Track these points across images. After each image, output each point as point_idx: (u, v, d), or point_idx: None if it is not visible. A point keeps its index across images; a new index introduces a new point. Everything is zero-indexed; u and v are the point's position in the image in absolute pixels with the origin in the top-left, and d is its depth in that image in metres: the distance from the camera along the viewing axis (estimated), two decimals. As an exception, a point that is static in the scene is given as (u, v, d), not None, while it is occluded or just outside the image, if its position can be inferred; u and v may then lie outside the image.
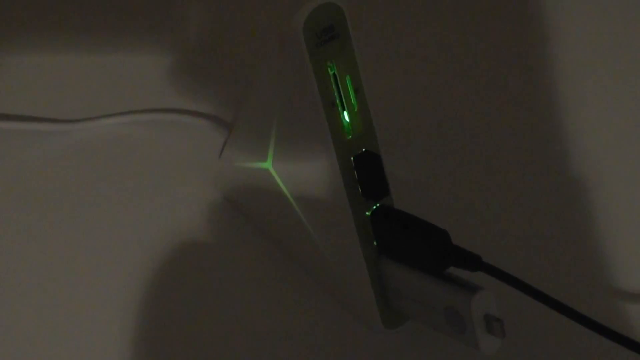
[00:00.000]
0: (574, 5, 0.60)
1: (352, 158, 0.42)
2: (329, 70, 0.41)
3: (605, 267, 0.46)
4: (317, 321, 0.45)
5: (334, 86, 0.41)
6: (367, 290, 0.43)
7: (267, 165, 0.45)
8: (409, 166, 0.51)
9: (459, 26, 0.60)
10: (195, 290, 0.47)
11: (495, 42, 0.59)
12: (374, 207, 0.42)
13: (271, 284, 0.47)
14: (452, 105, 0.55)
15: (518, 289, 0.40)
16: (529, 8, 0.60)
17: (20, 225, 0.50)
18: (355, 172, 0.42)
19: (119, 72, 0.58)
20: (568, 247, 0.47)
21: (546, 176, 0.51)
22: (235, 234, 0.49)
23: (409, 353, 0.44)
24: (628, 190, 0.50)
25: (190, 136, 0.54)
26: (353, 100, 0.41)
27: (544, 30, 0.59)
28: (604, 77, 0.56)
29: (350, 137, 0.41)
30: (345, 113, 0.41)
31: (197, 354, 0.44)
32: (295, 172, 0.44)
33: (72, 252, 0.49)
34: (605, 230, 0.48)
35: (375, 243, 0.42)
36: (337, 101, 0.41)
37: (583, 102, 0.55)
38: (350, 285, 0.44)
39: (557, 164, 0.51)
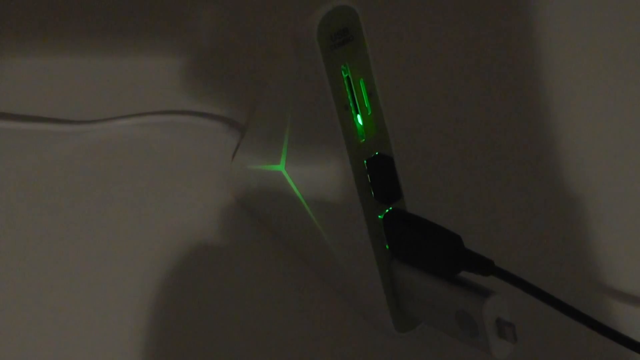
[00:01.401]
0: (578, 19, 0.60)
1: (365, 161, 0.41)
2: (343, 73, 0.41)
3: (616, 272, 0.46)
4: (328, 324, 0.45)
5: (347, 89, 0.41)
6: (379, 293, 0.43)
7: (280, 167, 0.45)
8: (422, 169, 0.51)
9: (474, 29, 0.60)
10: (206, 293, 0.46)
11: (513, 46, 0.59)
12: (387, 210, 0.42)
13: (283, 287, 0.47)
14: (466, 109, 0.55)
15: (530, 293, 0.40)
16: (546, 14, 0.60)
17: (35, 224, 0.50)
18: (368, 175, 0.42)
19: (133, 74, 0.58)
20: (581, 252, 0.47)
21: (561, 181, 0.51)
22: (247, 236, 0.49)
23: (421, 356, 0.43)
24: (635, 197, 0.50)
25: (203, 138, 0.54)
26: (366, 103, 0.41)
27: (558, 39, 0.59)
28: (604, 81, 0.56)
29: (364, 140, 0.41)
30: (359, 116, 0.41)
31: (208, 356, 0.44)
32: (308, 175, 0.44)
33: (85, 252, 0.49)
34: (617, 236, 0.48)
35: (387, 246, 0.42)
36: (351, 104, 0.41)
37: (595, 105, 0.55)
38: (362, 288, 0.44)
39: (571, 169, 0.51)
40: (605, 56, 0.58)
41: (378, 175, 0.41)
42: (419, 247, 0.41)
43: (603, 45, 0.58)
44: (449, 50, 0.59)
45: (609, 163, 0.52)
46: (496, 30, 0.60)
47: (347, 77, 0.41)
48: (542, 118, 0.54)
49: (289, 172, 0.45)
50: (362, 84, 0.41)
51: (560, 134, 0.53)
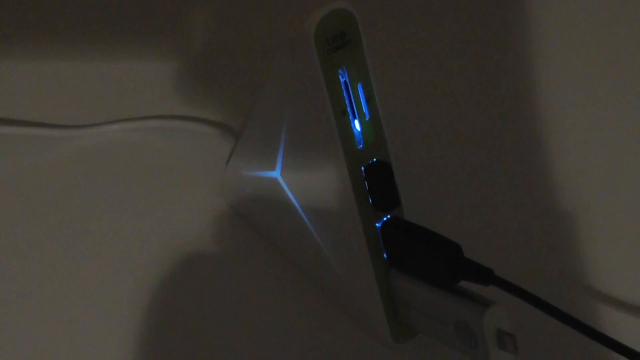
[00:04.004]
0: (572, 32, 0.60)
1: (362, 168, 0.41)
2: (340, 77, 0.40)
3: (619, 282, 0.46)
4: (325, 334, 0.45)
5: (344, 94, 0.41)
6: (376, 303, 0.43)
7: (276, 174, 0.45)
8: (420, 176, 0.51)
9: (474, 33, 0.60)
10: (199, 302, 0.46)
11: (515, 51, 0.59)
12: (385, 218, 0.42)
13: (278, 296, 0.46)
14: (466, 116, 0.55)
15: (531, 303, 0.40)
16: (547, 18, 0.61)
17: (25, 229, 0.50)
18: (366, 182, 0.41)
19: (125, 78, 0.58)
20: (583, 262, 0.47)
21: (563, 189, 0.51)
22: (241, 244, 0.49)
23: (419, 368, 0.44)
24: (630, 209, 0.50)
25: (197, 144, 0.54)
26: (364, 109, 0.41)
27: (558, 46, 0.59)
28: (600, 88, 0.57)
29: (361, 146, 0.41)
30: (356, 122, 0.41)
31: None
32: (304, 182, 0.44)
33: (76, 259, 0.48)
34: (618, 245, 0.48)
35: (385, 255, 0.42)
36: (348, 109, 0.41)
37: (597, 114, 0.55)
38: (359, 298, 0.44)
39: (573, 177, 0.52)
40: (606, 62, 0.58)
41: (376, 182, 0.41)
42: (418, 256, 0.41)
43: (603, 50, 0.59)
44: (448, 55, 0.59)
45: (608, 172, 0.52)
46: (498, 33, 0.60)
47: (345, 81, 0.41)
48: (544, 125, 0.54)
49: (284, 179, 0.45)
50: (359, 88, 0.41)
51: (562, 140, 0.54)
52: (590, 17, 0.61)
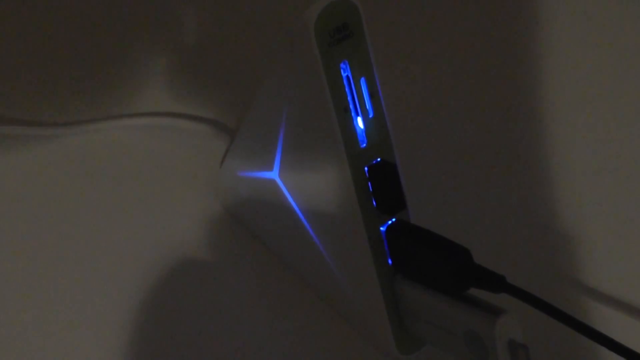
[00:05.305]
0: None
1: (365, 168, 0.41)
2: (342, 71, 0.40)
3: (636, 290, 0.46)
4: (325, 345, 0.45)
5: (347, 89, 0.40)
6: (380, 312, 0.42)
7: (273, 175, 0.45)
8: (427, 177, 0.51)
9: (483, 23, 0.60)
10: (193, 310, 0.46)
11: (523, 44, 0.59)
12: (389, 221, 0.41)
13: (275, 304, 0.46)
14: (476, 113, 0.55)
15: (546, 312, 0.39)
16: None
17: (8, 235, 0.50)
18: (369, 184, 0.41)
19: (113, 73, 0.58)
20: (599, 271, 0.47)
21: (575, 192, 0.51)
22: (236, 249, 0.48)
23: (426, 381, 0.43)
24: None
25: (189, 142, 0.53)
26: (368, 105, 0.40)
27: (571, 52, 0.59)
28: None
29: (364, 145, 0.41)
30: (359, 119, 0.40)
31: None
32: (304, 183, 0.43)
33: (64, 265, 0.48)
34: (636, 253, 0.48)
35: (389, 261, 0.42)
36: (351, 106, 0.40)
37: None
38: (363, 307, 0.43)
39: (586, 181, 0.51)
40: (617, 65, 0.58)
41: (380, 183, 0.41)
42: (425, 262, 0.40)
43: (616, 55, 0.58)
44: (456, 48, 0.58)
45: (619, 175, 0.52)
46: (507, 27, 0.60)
47: (347, 76, 0.40)
48: (555, 127, 0.54)
49: (282, 180, 0.44)
50: (363, 83, 0.40)
51: (574, 142, 0.53)
52: (598, 17, 0.61)
